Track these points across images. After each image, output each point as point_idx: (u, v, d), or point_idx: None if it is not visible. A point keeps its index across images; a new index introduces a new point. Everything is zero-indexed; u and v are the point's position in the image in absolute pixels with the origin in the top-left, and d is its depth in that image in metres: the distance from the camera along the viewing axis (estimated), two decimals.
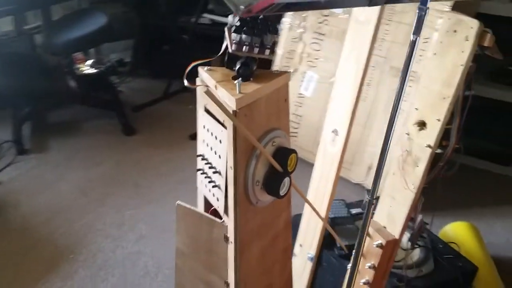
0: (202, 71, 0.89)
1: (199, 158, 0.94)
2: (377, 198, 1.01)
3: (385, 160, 0.95)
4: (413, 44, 0.83)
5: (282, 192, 0.89)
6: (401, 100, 0.88)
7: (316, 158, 1.37)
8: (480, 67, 2.63)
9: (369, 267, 1.26)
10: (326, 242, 1.45)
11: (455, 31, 1.01)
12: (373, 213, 1.03)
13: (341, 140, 1.28)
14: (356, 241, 1.10)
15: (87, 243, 1.90)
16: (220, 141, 0.86)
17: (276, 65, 2.40)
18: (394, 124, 0.90)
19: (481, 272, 1.47)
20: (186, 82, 0.90)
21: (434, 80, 1.08)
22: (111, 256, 1.85)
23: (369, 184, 2.24)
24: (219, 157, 0.88)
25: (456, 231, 1.77)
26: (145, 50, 3.51)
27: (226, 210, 0.90)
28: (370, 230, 1.26)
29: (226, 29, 0.90)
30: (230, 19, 0.90)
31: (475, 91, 2.66)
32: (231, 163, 0.84)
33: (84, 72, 3.28)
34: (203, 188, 0.97)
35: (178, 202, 0.99)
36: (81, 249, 1.87)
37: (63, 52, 2.57)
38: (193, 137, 2.72)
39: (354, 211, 1.61)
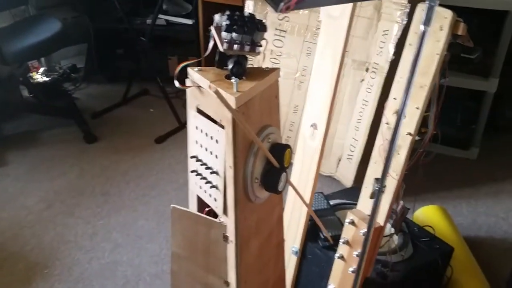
0: (193, 72, 0.88)
1: (193, 160, 0.93)
2: (385, 187, 1.04)
3: (393, 152, 0.97)
4: (422, 35, 0.85)
5: (280, 188, 0.90)
6: (409, 96, 0.91)
7: (295, 153, 1.39)
8: None
9: (357, 255, 1.29)
10: (309, 235, 1.47)
11: None
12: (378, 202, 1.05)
13: (321, 134, 1.30)
14: (366, 229, 1.12)
15: (61, 257, 1.84)
16: (217, 141, 0.86)
17: None
18: (400, 120, 0.92)
19: (456, 252, 1.54)
20: (177, 83, 0.88)
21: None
22: (87, 267, 1.79)
23: (339, 176, 2.30)
24: (216, 157, 0.87)
25: (428, 214, 1.85)
26: (99, 55, 3.41)
27: (225, 210, 0.90)
28: (355, 219, 1.29)
29: (213, 28, 0.89)
30: (217, 18, 0.89)
31: None
32: (230, 162, 0.84)
33: (37, 80, 3.16)
34: (197, 189, 0.96)
35: (173, 205, 0.98)
36: (55, 263, 1.80)
37: (17, 61, 2.46)
38: (159, 140, 2.68)
39: (332, 202, 1.64)
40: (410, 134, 1.14)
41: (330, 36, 1.26)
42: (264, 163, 0.89)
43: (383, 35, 2.08)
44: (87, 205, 2.14)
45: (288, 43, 2.27)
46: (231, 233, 0.91)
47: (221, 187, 0.88)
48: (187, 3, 3.22)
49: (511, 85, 2.54)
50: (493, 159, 2.59)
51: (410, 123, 1.14)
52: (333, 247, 1.49)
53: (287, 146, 0.91)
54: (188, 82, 0.90)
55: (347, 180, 2.23)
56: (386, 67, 2.01)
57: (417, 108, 1.12)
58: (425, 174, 2.26)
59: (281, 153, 0.89)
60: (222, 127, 0.84)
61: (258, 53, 0.87)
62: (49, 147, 2.61)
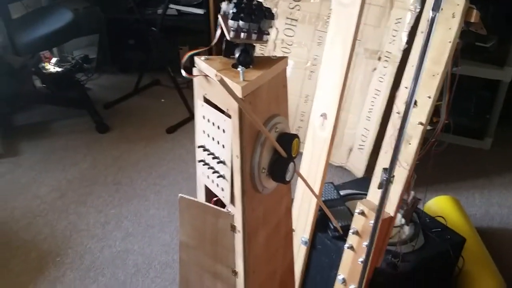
0: (200, 61, 0.88)
1: (200, 149, 0.93)
2: (393, 177, 1.03)
3: (402, 142, 0.96)
4: (432, 21, 0.84)
5: (288, 178, 0.90)
6: (418, 84, 0.89)
7: (305, 143, 1.38)
8: None
9: (366, 246, 1.28)
10: (318, 225, 1.46)
11: (441, 8, 1.03)
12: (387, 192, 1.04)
13: (331, 124, 1.29)
14: (374, 219, 1.12)
15: (73, 245, 1.86)
16: (224, 131, 0.85)
17: None
18: (410, 108, 0.91)
19: (468, 243, 1.52)
20: (184, 73, 0.88)
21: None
22: (99, 256, 1.81)
23: (350, 166, 2.28)
24: (223, 146, 0.87)
25: (440, 205, 1.83)
26: (111, 46, 3.42)
27: (232, 200, 0.90)
28: (365, 209, 1.28)
29: (220, 16, 0.89)
30: (224, 6, 0.88)
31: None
32: (237, 152, 0.83)
33: (49, 71, 3.18)
34: (205, 179, 0.96)
35: (180, 195, 0.98)
36: (67, 251, 1.82)
37: (29, 51, 2.48)
38: (170, 130, 2.68)
39: (342, 192, 1.63)
40: (421, 123, 1.13)
41: (340, 24, 1.24)
42: (271, 153, 0.89)
43: (395, 23, 2.04)
44: (99, 194, 2.16)
45: (299, 32, 2.24)
46: (238, 223, 0.91)
47: (228, 177, 0.88)
48: None
49: None
50: (507, 149, 2.55)
51: (421, 112, 1.12)
52: (343, 237, 1.49)
53: (294, 136, 0.90)
54: (195, 72, 0.89)
55: (358, 170, 2.21)
56: (399, 56, 1.99)
57: (429, 97, 1.10)
58: (438, 164, 2.24)
59: (288, 143, 0.88)
60: (229, 116, 0.83)
61: (266, 41, 0.86)
62: (61, 137, 2.63)
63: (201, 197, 1.03)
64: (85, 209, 2.06)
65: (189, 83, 3.22)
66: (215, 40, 0.93)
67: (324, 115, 1.30)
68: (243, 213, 0.89)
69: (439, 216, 1.58)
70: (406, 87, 1.16)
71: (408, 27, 1.95)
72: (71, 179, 2.27)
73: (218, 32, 0.90)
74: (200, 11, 3.09)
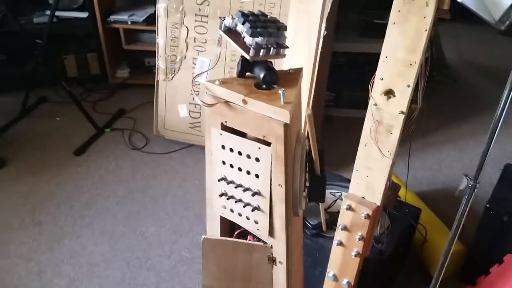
0: (214, 86, 0.77)
1: (222, 182, 0.83)
2: (479, 183, 1.03)
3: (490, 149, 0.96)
4: None
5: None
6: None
7: None
8: (346, 25, 2.79)
9: (359, 239, 1.28)
10: None
11: None
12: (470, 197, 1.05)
13: None
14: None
15: None
16: (257, 160, 0.77)
17: (160, 56, 2.24)
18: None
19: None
20: (199, 101, 0.77)
21: (397, 48, 1.11)
22: None
23: None
24: (256, 176, 0.78)
25: None
26: None
27: (271, 231, 0.82)
28: (352, 204, 1.28)
29: (222, 32, 0.79)
30: (227, 21, 0.79)
31: (346, 49, 2.84)
32: (280, 180, 0.76)
33: None
34: (227, 213, 0.86)
35: (204, 236, 0.87)
36: None
37: None
38: (79, 152, 2.42)
39: None
40: (402, 112, 1.14)
41: (301, 22, 1.20)
42: (304, 174, 0.82)
43: None
44: (21, 240, 1.86)
45: (211, 29, 2.15)
46: (279, 254, 0.84)
47: (266, 208, 0.80)
48: None
49: None
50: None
51: (401, 102, 1.14)
52: (321, 234, 1.49)
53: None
54: (210, 99, 0.78)
55: None
56: None
57: (408, 86, 1.12)
58: (346, 142, 2.32)
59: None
60: (265, 143, 0.75)
61: (284, 56, 0.79)
62: None
63: (215, 232, 0.93)
64: (9, 261, 1.77)
65: (82, 95, 2.93)
66: (217, 60, 0.83)
67: None
68: (287, 243, 0.82)
69: None
70: (381, 79, 1.17)
71: None
72: None
73: (219, 50, 0.81)
74: (83, 14, 2.81)
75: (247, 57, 0.75)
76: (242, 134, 0.79)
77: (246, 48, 0.75)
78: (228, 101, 0.76)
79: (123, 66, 3.10)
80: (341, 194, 1.64)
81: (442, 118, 2.77)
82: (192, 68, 2.21)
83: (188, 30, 2.17)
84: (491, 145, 1.02)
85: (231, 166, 0.81)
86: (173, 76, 2.26)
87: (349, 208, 1.29)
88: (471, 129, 2.69)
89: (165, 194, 2.14)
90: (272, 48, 0.76)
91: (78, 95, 2.84)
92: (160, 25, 2.20)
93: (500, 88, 1.04)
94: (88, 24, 2.83)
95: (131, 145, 2.51)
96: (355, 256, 1.31)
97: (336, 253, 1.35)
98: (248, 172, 0.79)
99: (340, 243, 1.33)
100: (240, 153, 0.78)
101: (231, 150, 0.79)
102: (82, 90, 2.98)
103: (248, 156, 0.78)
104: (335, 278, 1.37)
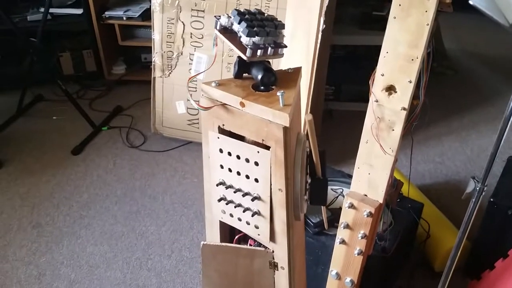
0: (210, 88, 0.74)
1: (220, 187, 0.80)
2: (487, 186, 1.01)
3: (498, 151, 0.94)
4: None
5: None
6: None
7: None
8: (344, 18, 2.74)
9: (361, 237, 1.26)
10: None
11: None
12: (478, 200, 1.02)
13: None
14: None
15: None
16: (256, 163, 0.74)
17: (157, 52, 2.21)
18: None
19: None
20: (195, 104, 0.74)
21: (398, 43, 1.08)
22: None
23: None
24: (256, 181, 0.76)
25: None
26: None
27: (272, 236, 0.80)
28: (354, 202, 1.26)
29: (217, 32, 0.76)
30: (223, 20, 0.76)
31: (345, 42, 2.80)
32: (280, 185, 0.73)
33: None
34: (226, 218, 0.84)
35: (204, 242, 0.85)
36: None
37: None
38: (76, 151, 2.39)
39: None
40: (404, 108, 1.12)
41: (299, 19, 1.17)
42: (305, 177, 0.80)
43: None
44: (20, 243, 1.84)
45: (208, 24, 2.12)
46: (281, 259, 0.81)
47: (266, 213, 0.78)
48: None
49: None
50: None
51: (403, 98, 1.11)
52: (323, 232, 1.47)
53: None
54: (207, 102, 0.75)
55: None
56: None
57: (410, 81, 1.09)
58: (344, 136, 2.30)
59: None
60: (264, 146, 0.72)
61: (282, 55, 0.76)
62: None
63: (214, 238, 0.91)
64: (8, 264, 1.75)
65: (78, 93, 2.90)
66: (213, 62, 0.81)
67: None
68: (288, 247, 0.79)
69: None
70: (382, 74, 1.14)
71: None
72: None
73: (215, 50, 0.78)
74: (77, 11, 2.77)
75: (244, 57, 0.72)
76: (241, 138, 0.76)
77: (242, 48, 0.72)
78: (225, 104, 0.74)
79: (119, 63, 3.06)
80: (343, 190, 1.62)
81: (443, 109, 2.74)
82: (189, 64, 2.18)
83: (184, 25, 2.14)
84: (499, 147, 1.00)
85: (230, 170, 0.78)
86: (170, 73, 2.23)
87: (351, 206, 1.26)
88: (473, 120, 2.66)
89: (164, 192, 2.12)
90: (269, 48, 0.73)
91: (74, 93, 2.82)
92: (156, 20, 2.16)
93: (501, 77, 1.02)
94: (83, 21, 2.79)
95: (128, 143, 2.48)
96: (358, 254, 1.29)
97: (338, 251, 1.33)
98: (247, 177, 0.77)
99: (343, 242, 1.31)
100: (238, 157, 0.76)
101: (229, 154, 0.77)
102: (79, 88, 2.95)
103: (247, 160, 0.75)
104: (338, 276, 1.35)
